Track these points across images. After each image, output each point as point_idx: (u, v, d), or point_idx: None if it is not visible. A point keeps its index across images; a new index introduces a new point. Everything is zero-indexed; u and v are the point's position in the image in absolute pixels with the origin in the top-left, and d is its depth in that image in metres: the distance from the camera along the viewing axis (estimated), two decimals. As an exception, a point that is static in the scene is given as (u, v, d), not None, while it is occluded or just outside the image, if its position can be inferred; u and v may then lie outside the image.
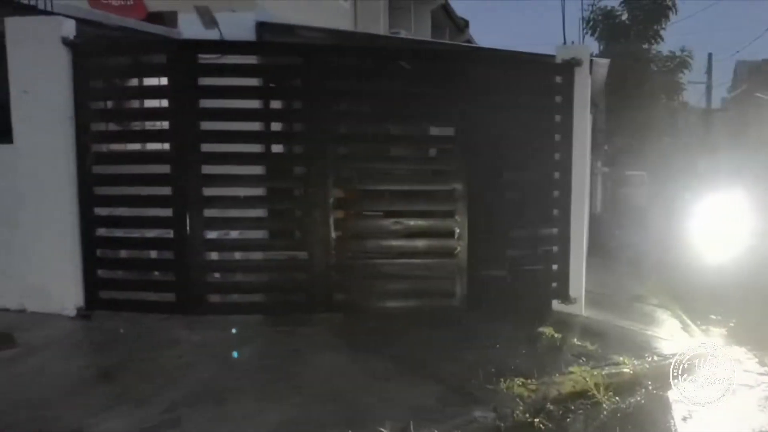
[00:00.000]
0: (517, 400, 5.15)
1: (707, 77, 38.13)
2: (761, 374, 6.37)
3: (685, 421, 5.18)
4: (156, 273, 7.09)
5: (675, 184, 31.06)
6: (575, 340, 6.65)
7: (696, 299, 9.32)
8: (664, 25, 28.85)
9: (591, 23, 28.53)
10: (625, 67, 23.43)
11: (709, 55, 37.75)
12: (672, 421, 5.19)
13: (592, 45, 26.22)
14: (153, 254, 6.98)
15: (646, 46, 28.81)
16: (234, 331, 6.36)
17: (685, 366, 6.34)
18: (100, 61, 6.69)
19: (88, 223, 6.54)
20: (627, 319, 8.07)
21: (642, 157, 35.79)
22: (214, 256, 6.88)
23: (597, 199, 18.56)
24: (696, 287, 10.34)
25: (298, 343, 6.15)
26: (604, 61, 9.53)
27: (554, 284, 7.48)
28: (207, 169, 6.41)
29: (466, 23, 24.01)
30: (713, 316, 8.31)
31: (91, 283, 6.60)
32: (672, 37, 55.55)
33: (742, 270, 9.95)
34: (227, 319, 6.64)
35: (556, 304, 7.50)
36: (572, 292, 7.46)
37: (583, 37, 24.17)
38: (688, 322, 8.07)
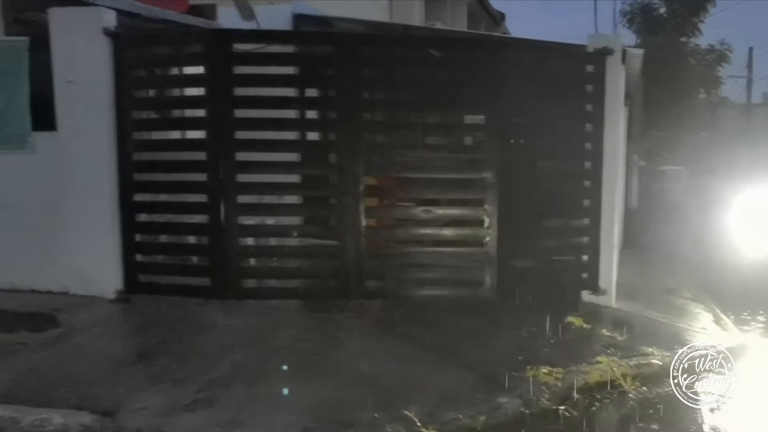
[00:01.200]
0: (544, 387, 5.19)
1: (748, 71, 37.53)
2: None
3: (712, 413, 5.17)
4: (192, 258, 7.25)
5: (713, 179, 30.66)
6: (604, 330, 6.67)
7: (729, 294, 9.25)
8: (702, 18, 28.47)
9: (628, 16, 28.24)
10: (662, 60, 23.18)
11: (750, 49, 37.15)
12: (699, 412, 5.18)
13: (629, 38, 25.92)
14: (189, 239, 7.14)
15: (684, 39, 28.46)
16: (269, 315, 6.49)
17: (715, 359, 6.35)
18: (140, 52, 6.85)
19: (127, 208, 6.71)
20: (658, 311, 8.03)
21: (679, 151, 35.38)
22: (248, 241, 7.01)
23: (633, 193, 18.38)
24: (730, 282, 10.24)
25: (331, 328, 6.25)
26: (638, 52, 9.45)
27: (584, 275, 7.48)
28: (241, 156, 6.53)
29: (503, 16, 23.89)
30: (746, 311, 8.25)
31: (130, 267, 6.77)
32: (711, 31, 54.57)
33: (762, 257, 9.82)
34: (262, 304, 6.78)
35: (586, 295, 7.50)
36: (602, 284, 7.45)
37: (615, 27, 23.91)
38: (720, 315, 8.02)
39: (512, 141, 6.99)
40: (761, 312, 8.19)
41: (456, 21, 18.71)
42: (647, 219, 18.29)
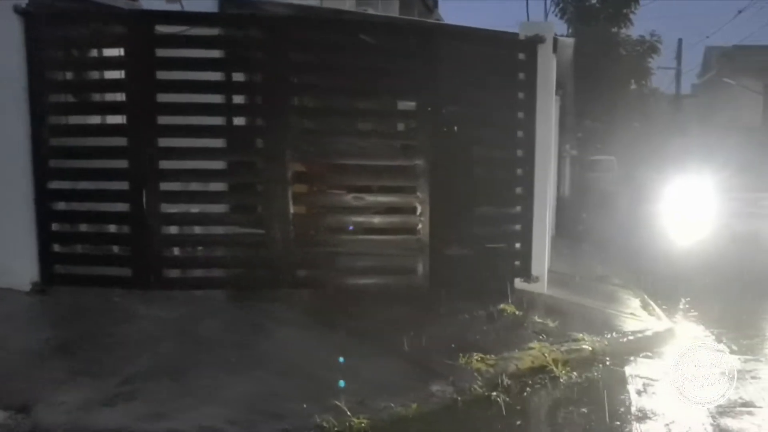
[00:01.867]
0: (476, 374, 5.27)
1: (677, 63, 38.64)
2: (718, 351, 6.54)
3: (639, 395, 5.31)
4: (113, 247, 7.06)
5: (644, 169, 31.47)
6: (536, 317, 6.78)
7: (658, 280, 9.52)
8: (633, 9, 29.15)
9: (560, 5, 28.72)
10: (594, 50, 23.69)
11: (679, 41, 38.22)
12: (627, 394, 5.32)
13: (561, 27, 26.36)
14: (110, 228, 6.95)
15: (615, 29, 29.09)
16: (194, 306, 6.37)
17: (643, 343, 6.56)
18: (55, 31, 6.60)
19: (43, 196, 6.46)
20: (589, 298, 8.23)
21: (611, 141, 36.21)
22: (172, 230, 6.86)
23: (565, 182, 18.78)
24: (659, 269, 10.56)
25: (260, 318, 6.19)
26: (569, 41, 9.66)
27: (517, 263, 7.58)
28: (163, 142, 6.38)
29: (435, 3, 24.08)
30: (674, 297, 8.49)
31: (47, 258, 6.54)
32: (642, 22, 56.04)
33: (706, 253, 10.16)
34: (188, 294, 6.65)
35: (518, 283, 7.59)
36: (535, 271, 7.57)
37: (547, 15, 24.27)
38: (649, 301, 8.25)
39: (445, 128, 7.01)
40: (689, 298, 8.43)
41: (388, 7, 18.72)
42: (580, 208, 18.70)
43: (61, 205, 6.72)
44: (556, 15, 28.20)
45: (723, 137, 28.67)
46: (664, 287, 9.09)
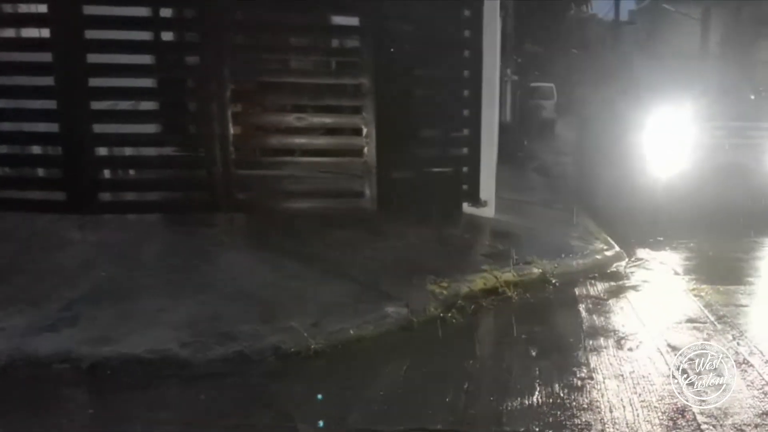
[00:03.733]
0: (430, 296, 5.38)
1: (616, -13, 38.81)
2: (661, 271, 6.82)
3: (590, 314, 5.52)
4: (42, 170, 6.87)
5: (582, 96, 31.84)
6: (486, 241, 6.97)
7: (599, 204, 9.79)
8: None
9: None
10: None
11: (618, -36, 38.33)
12: (578, 313, 5.53)
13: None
14: (39, 150, 6.75)
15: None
16: (132, 231, 6.32)
17: (591, 264, 6.79)
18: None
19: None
20: (536, 222, 8.46)
21: (550, 68, 36.50)
22: (105, 152, 6.70)
23: (506, 108, 18.96)
24: (598, 193, 10.86)
25: (201, 242, 6.17)
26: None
27: (465, 186, 7.71)
28: (92, 58, 6.19)
29: None
30: (614, 219, 8.74)
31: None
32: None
33: (635, 177, 10.30)
34: (125, 219, 6.63)
35: (466, 207, 7.74)
36: (483, 195, 7.72)
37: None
38: (592, 225, 8.47)
39: (390, 46, 6.96)
40: (625, 216, 8.67)
41: None
42: (521, 135, 18.93)
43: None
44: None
45: (659, 63, 29.11)
46: (605, 211, 9.35)
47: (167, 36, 7.07)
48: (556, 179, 13.20)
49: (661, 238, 8.04)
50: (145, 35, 6.69)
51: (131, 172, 7.16)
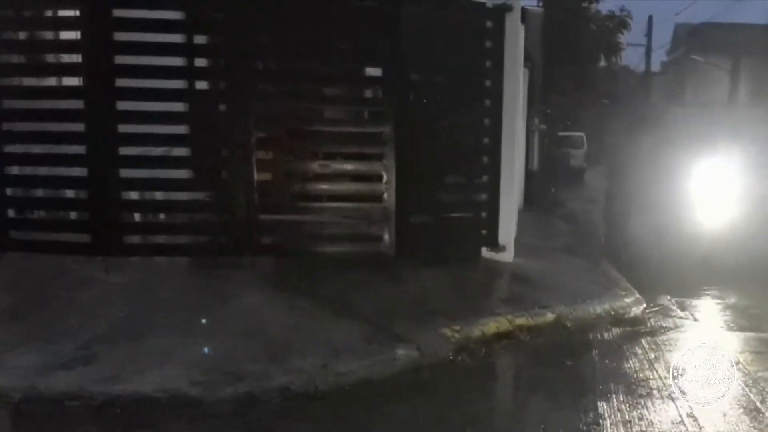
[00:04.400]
0: (441, 339, 5.32)
1: (647, 39, 38.90)
2: (681, 318, 6.68)
3: (602, 359, 5.41)
4: (70, 213, 6.98)
5: (613, 144, 31.64)
6: (502, 285, 6.91)
7: (624, 251, 9.64)
8: (603, -16, 29.32)
9: (531, -22, 28.76)
10: (563, 24, 23.81)
11: (649, 18, 38.34)
12: (590, 358, 5.43)
13: (531, 1, 26.46)
14: (67, 193, 6.86)
15: (585, 4, 29.25)
16: (155, 272, 6.37)
17: (608, 310, 6.67)
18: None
19: (-3, 161, 6.39)
20: (555, 267, 8.35)
21: (580, 117, 36.43)
22: (131, 195, 6.78)
23: (534, 157, 18.89)
24: (625, 241, 10.70)
25: (222, 284, 6.18)
26: (538, 11, 9.80)
27: (484, 231, 7.66)
28: (122, 105, 6.31)
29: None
30: (638, 266, 8.59)
31: (1, 223, 6.46)
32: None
33: (667, 225, 10.07)
34: (149, 261, 6.65)
35: (485, 251, 7.69)
36: (501, 240, 7.65)
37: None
38: (614, 271, 8.36)
39: (411, 95, 7.02)
40: (650, 266, 8.49)
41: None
42: (548, 182, 18.85)
43: (16, 170, 6.64)
44: (526, -12, 28.26)
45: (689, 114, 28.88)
46: (629, 258, 9.20)
47: (194, 84, 7.15)
48: (581, 226, 13.07)
49: (687, 287, 7.79)
50: (175, 83, 6.78)
51: (157, 215, 7.22)
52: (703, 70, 32.95)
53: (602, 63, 34.20)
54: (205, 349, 4.78)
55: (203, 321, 5.28)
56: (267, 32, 6.88)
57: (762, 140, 9.02)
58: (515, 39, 7.42)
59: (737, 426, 4.13)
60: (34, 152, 6.62)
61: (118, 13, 6.33)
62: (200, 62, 7.03)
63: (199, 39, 6.86)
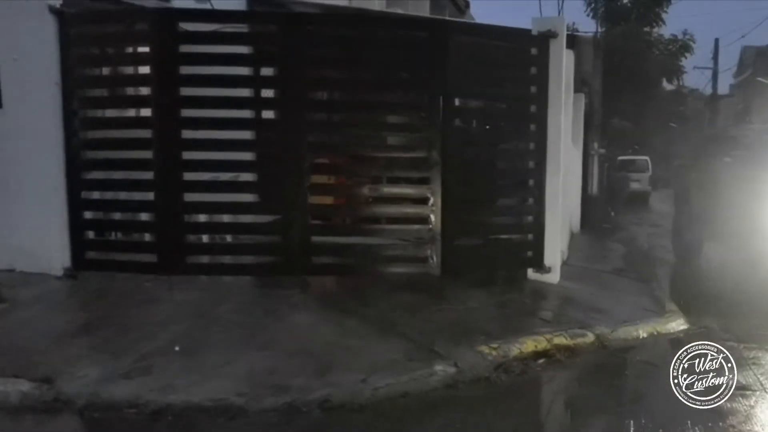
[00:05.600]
0: (479, 356, 5.39)
1: (713, 62, 38.13)
2: (719, 339, 6.49)
3: (637, 380, 5.39)
4: (138, 234, 7.34)
5: (681, 169, 30.89)
6: (545, 306, 6.90)
7: (676, 276, 9.51)
8: (665, 8, 28.89)
9: (592, 5, 28.58)
10: (624, 49, 23.55)
11: (716, 40, 37.67)
12: (625, 379, 5.41)
13: (591, 26, 26.18)
14: (137, 216, 7.21)
15: (647, 29, 28.86)
16: (214, 291, 6.65)
17: (650, 333, 6.58)
18: (86, 29, 6.90)
19: (74, 185, 6.77)
20: (602, 289, 8.27)
21: (646, 142, 35.79)
22: (194, 218, 7.09)
23: (593, 180, 18.69)
24: (678, 265, 10.54)
25: (275, 303, 6.40)
26: (588, 37, 9.80)
27: (529, 253, 7.67)
28: (186, 134, 6.62)
29: (467, 4, 24.11)
30: (692, 295, 8.43)
31: (78, 244, 6.84)
32: (677, 20, 55.33)
33: (731, 257, 9.72)
34: (210, 280, 6.95)
35: (531, 273, 7.70)
36: (547, 261, 7.65)
37: (560, 11, 24.12)
38: (662, 296, 8.19)
39: (457, 121, 7.15)
40: (708, 298, 8.31)
41: (418, 8, 18.85)
42: (608, 206, 18.60)
43: (92, 194, 7.03)
44: (588, 15, 28.09)
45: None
46: (681, 284, 9.05)
47: (250, 114, 7.43)
48: (636, 250, 12.85)
49: (733, 315, 7.32)
50: (235, 113, 7.09)
51: (217, 237, 7.52)
52: (770, 93, 32.15)
53: (666, 87, 33.62)
54: (253, 364, 4.98)
55: (254, 338, 5.49)
56: (321, 64, 7.14)
57: None
58: (560, 65, 7.46)
59: None
60: (109, 178, 7.01)
61: (184, 48, 6.70)
62: (259, 92, 7.35)
63: (257, 71, 7.16)
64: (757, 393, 5.05)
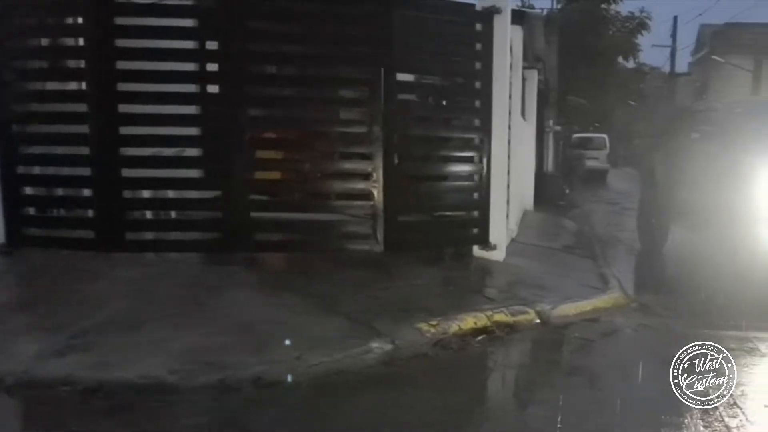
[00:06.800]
0: (418, 333, 5.49)
1: (672, 40, 38.76)
2: (659, 315, 6.69)
3: (573, 354, 5.56)
4: (76, 210, 7.28)
5: (640, 146, 31.36)
6: (489, 283, 7.02)
7: (626, 254, 9.69)
8: (622, -14, 29.12)
9: (549, -19, 28.70)
10: (581, 26, 23.76)
11: (675, 18, 38.37)
12: (562, 354, 5.57)
13: (547, 2, 26.25)
14: (74, 192, 7.15)
15: (604, 5, 29.05)
16: (155, 268, 6.65)
17: (589, 309, 6.74)
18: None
19: (8, 160, 6.69)
20: (548, 266, 8.45)
21: (608, 119, 36.20)
22: (133, 194, 7.04)
23: (548, 158, 18.93)
24: (629, 240, 10.75)
25: (219, 280, 6.41)
26: (537, 13, 9.80)
27: (475, 230, 7.79)
28: (123, 108, 6.57)
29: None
30: (635, 270, 8.63)
31: (12, 221, 6.77)
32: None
33: (693, 238, 9.71)
34: (150, 257, 6.95)
35: (476, 250, 7.81)
36: (493, 239, 7.77)
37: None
38: (607, 273, 8.34)
39: (400, 96, 7.20)
40: (655, 274, 8.49)
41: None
42: (563, 184, 18.85)
43: (26, 170, 6.94)
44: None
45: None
46: (633, 263, 9.20)
47: (190, 88, 7.31)
48: (589, 227, 13.06)
49: (676, 286, 7.69)
50: (170, 87, 7.01)
51: (158, 212, 7.48)
52: (726, 71, 32.72)
53: (626, 65, 34.00)
54: (190, 341, 5.01)
55: (194, 315, 5.51)
56: (262, 36, 7.13)
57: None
58: (505, 40, 7.55)
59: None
60: (43, 153, 6.93)
61: (119, 21, 6.61)
62: (203, 67, 7.30)
63: (194, 44, 7.12)
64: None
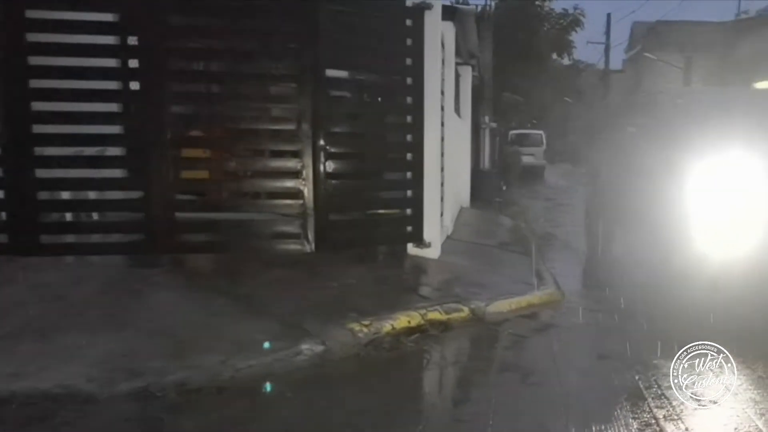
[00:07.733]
0: (350, 334, 5.45)
1: (605, 37, 39.56)
2: (592, 311, 6.79)
3: (506, 350, 5.60)
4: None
5: (577, 142, 32.03)
6: (423, 281, 7.04)
7: (563, 250, 9.84)
8: (557, -17, 29.64)
9: (483, -23, 29.03)
10: (515, 22, 24.11)
11: (608, 15, 39.09)
12: (495, 351, 5.60)
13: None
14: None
15: (538, 2, 29.52)
16: (72, 271, 6.45)
17: (524, 306, 6.82)
18: None
19: None
20: (483, 263, 8.53)
21: (545, 115, 36.81)
22: (47, 195, 6.81)
23: (485, 155, 19.16)
24: (564, 236, 10.92)
25: (140, 283, 6.24)
26: (470, 9, 9.88)
27: (408, 228, 7.78)
28: (37, 106, 6.37)
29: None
30: (572, 266, 8.75)
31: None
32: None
33: (615, 227, 9.94)
34: (68, 260, 6.75)
35: (411, 248, 7.82)
36: (427, 236, 7.78)
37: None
38: (542, 270, 8.45)
39: (330, 92, 7.16)
40: (589, 270, 8.60)
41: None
42: (500, 180, 19.08)
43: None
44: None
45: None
46: (570, 259, 9.35)
47: (109, 85, 7.08)
48: (524, 223, 13.25)
49: (609, 283, 7.68)
50: (92, 84, 6.82)
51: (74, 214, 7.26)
52: (659, 67, 33.61)
53: (561, 61, 34.64)
54: (109, 347, 4.88)
55: (114, 319, 5.37)
56: (185, 32, 6.99)
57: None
58: (436, 37, 7.58)
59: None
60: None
61: (30, 14, 6.37)
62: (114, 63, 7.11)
63: (110, 39, 6.91)
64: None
